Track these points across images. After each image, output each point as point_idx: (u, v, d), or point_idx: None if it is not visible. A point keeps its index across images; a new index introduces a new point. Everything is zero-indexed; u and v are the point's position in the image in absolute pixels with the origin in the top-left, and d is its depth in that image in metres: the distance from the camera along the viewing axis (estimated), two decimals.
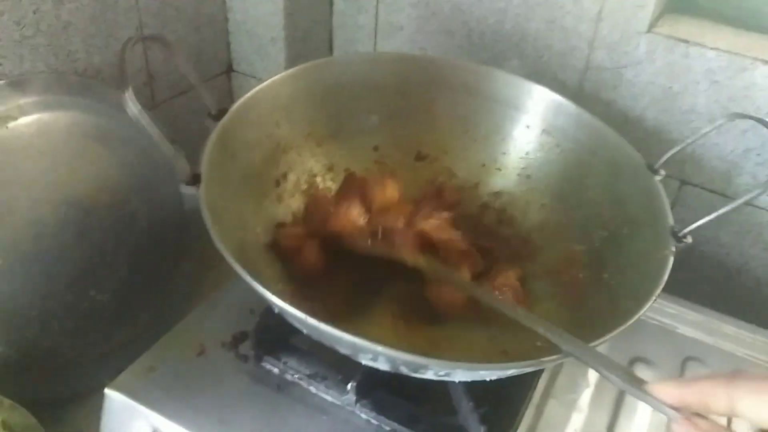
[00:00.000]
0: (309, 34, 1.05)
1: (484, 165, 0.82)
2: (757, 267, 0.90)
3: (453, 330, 0.68)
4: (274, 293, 0.51)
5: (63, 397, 0.81)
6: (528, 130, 0.79)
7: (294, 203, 0.74)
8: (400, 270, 0.68)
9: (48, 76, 0.78)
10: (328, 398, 0.65)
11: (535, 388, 0.69)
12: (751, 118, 0.66)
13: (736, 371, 0.41)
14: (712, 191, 0.88)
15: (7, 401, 0.68)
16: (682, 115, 0.86)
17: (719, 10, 0.86)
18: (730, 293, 0.93)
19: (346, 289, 0.70)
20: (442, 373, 0.52)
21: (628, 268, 0.64)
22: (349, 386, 0.63)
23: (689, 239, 0.61)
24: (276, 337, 0.68)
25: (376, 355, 0.51)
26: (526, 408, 0.67)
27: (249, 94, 0.70)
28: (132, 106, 0.56)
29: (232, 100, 1.09)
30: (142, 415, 0.63)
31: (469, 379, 0.58)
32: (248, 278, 0.51)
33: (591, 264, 0.68)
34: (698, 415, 0.41)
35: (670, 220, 0.62)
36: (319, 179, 0.78)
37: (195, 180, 0.59)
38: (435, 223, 0.70)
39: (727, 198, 0.87)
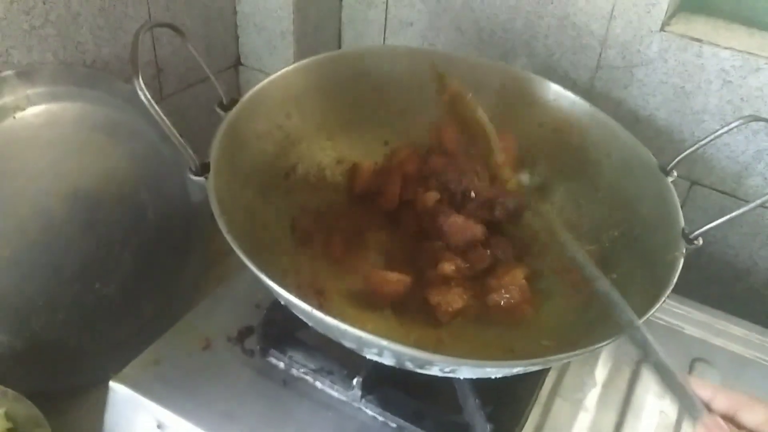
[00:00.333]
0: (318, 28, 1.04)
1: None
2: (766, 268, 0.89)
3: (459, 327, 0.68)
4: (280, 284, 0.51)
5: (67, 388, 0.80)
6: (540, 128, 0.78)
7: (302, 196, 0.74)
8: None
9: (56, 67, 0.78)
10: (334, 393, 0.65)
11: (541, 387, 0.68)
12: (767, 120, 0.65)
13: None
14: (722, 192, 0.87)
15: (11, 392, 0.68)
16: (694, 115, 0.85)
17: (733, 10, 0.86)
18: (738, 294, 0.92)
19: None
20: (447, 369, 0.52)
21: (638, 268, 0.63)
22: (354, 382, 0.63)
23: (700, 241, 0.60)
24: (282, 331, 0.67)
25: (381, 350, 0.51)
26: (533, 407, 0.66)
27: (260, 85, 0.69)
28: (142, 94, 0.55)
29: (240, 95, 1.09)
30: (146, 408, 0.62)
31: (474, 377, 0.58)
32: (254, 269, 0.51)
33: (600, 264, 0.67)
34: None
35: (682, 222, 0.62)
36: (328, 172, 0.77)
37: (204, 170, 0.59)
38: None
39: (738, 199, 0.86)
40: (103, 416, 0.66)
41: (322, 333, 0.55)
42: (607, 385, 0.71)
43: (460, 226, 0.71)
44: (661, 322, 0.78)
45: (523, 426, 0.64)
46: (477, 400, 0.61)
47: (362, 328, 0.49)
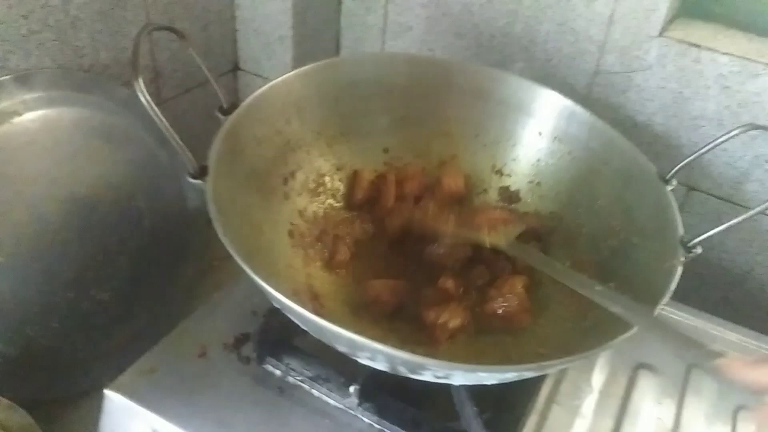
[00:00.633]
0: (317, 33, 1.04)
1: (494, 170, 0.81)
2: (763, 274, 0.89)
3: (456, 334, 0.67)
4: (274, 287, 0.51)
5: (61, 396, 0.80)
6: (540, 136, 0.78)
7: (301, 201, 0.74)
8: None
9: (54, 72, 0.78)
10: (331, 401, 0.65)
11: (538, 393, 0.68)
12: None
13: None
14: (719, 198, 0.87)
15: (4, 401, 0.67)
16: (692, 121, 0.85)
17: (732, 15, 0.86)
18: (734, 300, 0.92)
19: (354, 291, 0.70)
20: (440, 374, 0.52)
21: (636, 277, 0.63)
22: (351, 389, 0.63)
23: (699, 249, 0.60)
24: (278, 339, 0.67)
25: (374, 354, 0.51)
26: (530, 414, 0.66)
27: (261, 90, 0.69)
28: (142, 96, 0.55)
29: (238, 99, 1.10)
30: (141, 416, 0.62)
31: (467, 383, 0.57)
32: (249, 271, 0.51)
33: (599, 273, 0.67)
34: None
35: (681, 231, 0.62)
36: (327, 178, 0.77)
37: (202, 172, 0.59)
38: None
39: (735, 205, 0.86)
40: (98, 424, 0.65)
41: (316, 337, 0.55)
42: (603, 392, 0.71)
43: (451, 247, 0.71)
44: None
45: None
46: (474, 408, 0.61)
47: (356, 331, 0.49)
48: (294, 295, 0.65)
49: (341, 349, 0.54)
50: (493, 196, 0.81)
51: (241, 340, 0.70)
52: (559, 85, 0.88)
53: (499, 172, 0.81)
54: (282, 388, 0.66)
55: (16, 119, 0.74)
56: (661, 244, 0.62)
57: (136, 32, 0.84)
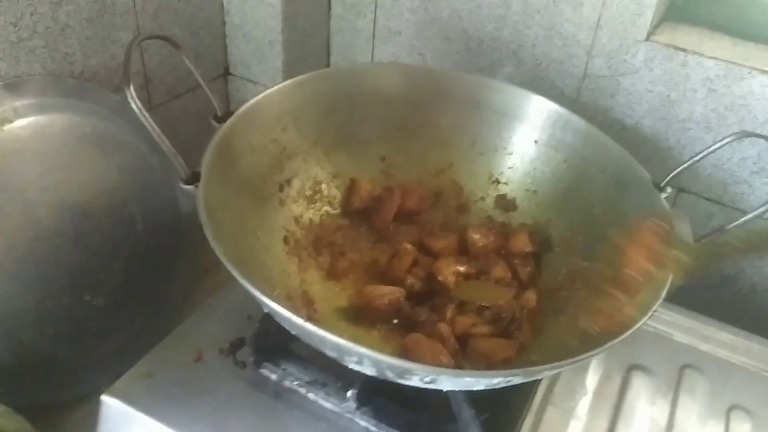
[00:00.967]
0: (306, 37, 1.04)
1: (491, 179, 0.81)
2: (753, 274, 0.91)
3: None
4: (262, 292, 0.51)
5: (57, 402, 0.80)
6: (536, 145, 0.79)
7: (297, 209, 0.74)
8: None
9: (44, 79, 0.78)
10: (327, 405, 0.65)
11: (534, 396, 0.69)
12: (760, 136, 0.66)
13: None
14: (708, 200, 0.88)
15: (2, 407, 0.67)
16: (680, 124, 0.86)
17: (717, 20, 0.87)
18: (725, 300, 0.93)
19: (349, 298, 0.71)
20: (427, 379, 0.52)
21: None
22: (348, 394, 0.63)
23: None
24: (275, 343, 0.67)
25: (361, 358, 0.51)
26: (526, 416, 0.67)
27: (256, 99, 0.69)
28: (134, 104, 0.55)
29: (229, 104, 1.10)
30: (138, 421, 0.62)
31: (455, 388, 0.58)
32: (238, 275, 0.52)
33: (593, 280, 0.68)
34: None
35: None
36: (324, 186, 0.77)
37: (194, 178, 0.59)
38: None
39: (724, 206, 0.88)
40: (96, 430, 0.65)
41: (306, 342, 0.55)
42: (598, 393, 0.71)
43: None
44: (650, 329, 0.79)
45: None
46: (471, 410, 0.61)
47: (341, 336, 0.49)
48: (288, 301, 0.65)
49: (330, 353, 0.54)
50: (490, 204, 0.81)
51: (236, 344, 0.70)
52: (548, 89, 0.89)
53: (496, 181, 0.81)
54: (278, 393, 0.66)
55: (7, 126, 0.73)
56: None
57: (127, 39, 0.86)
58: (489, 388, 0.55)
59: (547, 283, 0.72)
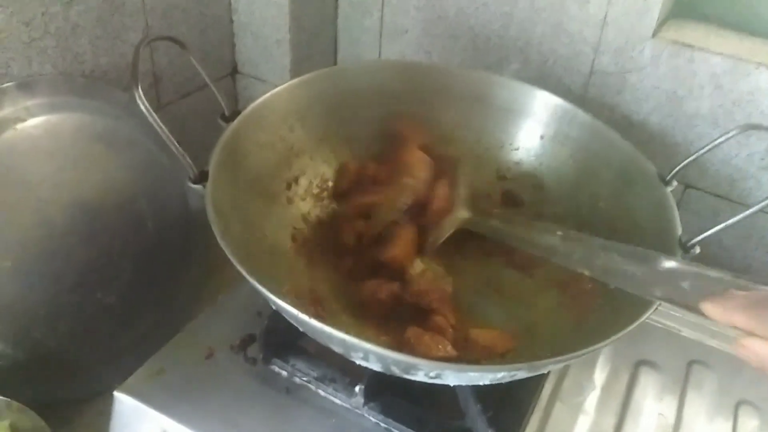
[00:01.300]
0: (314, 36, 1.05)
1: (497, 174, 0.82)
2: (761, 270, 0.91)
3: None
4: (269, 289, 0.52)
5: (70, 398, 0.81)
6: (542, 140, 0.79)
7: (305, 206, 0.75)
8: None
9: (55, 78, 0.79)
10: (337, 401, 0.66)
11: (541, 391, 0.69)
12: (766, 129, 0.66)
13: None
14: (716, 195, 0.88)
15: (15, 404, 0.68)
16: (687, 120, 0.86)
17: (724, 16, 0.87)
18: None
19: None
20: (432, 374, 0.53)
21: None
22: (357, 389, 0.64)
23: (697, 249, 0.61)
24: (284, 339, 0.68)
25: (367, 354, 0.52)
26: (533, 411, 0.67)
27: (263, 98, 0.70)
28: (142, 105, 0.56)
29: (237, 102, 1.11)
30: (151, 417, 0.63)
31: (460, 382, 0.58)
32: (246, 273, 0.52)
33: None
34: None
35: (679, 231, 0.63)
36: (331, 183, 0.78)
37: (202, 178, 0.60)
38: None
39: (732, 202, 0.88)
40: (109, 426, 0.66)
41: (313, 338, 0.56)
42: (606, 389, 0.72)
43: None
44: (658, 324, 0.79)
45: (524, 430, 0.65)
46: (478, 405, 0.62)
47: (347, 332, 0.50)
48: (296, 298, 0.66)
49: (336, 349, 0.55)
50: (496, 200, 0.81)
51: (247, 341, 0.70)
52: (554, 86, 0.90)
53: (503, 177, 0.82)
54: (288, 388, 0.67)
55: (20, 125, 0.74)
56: (660, 244, 0.63)
57: (136, 38, 0.86)
58: (494, 382, 0.55)
59: (552, 277, 0.73)
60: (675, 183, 0.68)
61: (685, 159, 0.70)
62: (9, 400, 0.68)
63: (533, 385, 0.69)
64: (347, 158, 0.79)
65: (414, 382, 0.54)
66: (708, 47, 0.81)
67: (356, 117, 0.79)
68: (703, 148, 0.68)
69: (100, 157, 0.82)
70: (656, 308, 0.55)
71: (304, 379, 0.67)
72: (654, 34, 0.84)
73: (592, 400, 0.70)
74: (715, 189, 0.88)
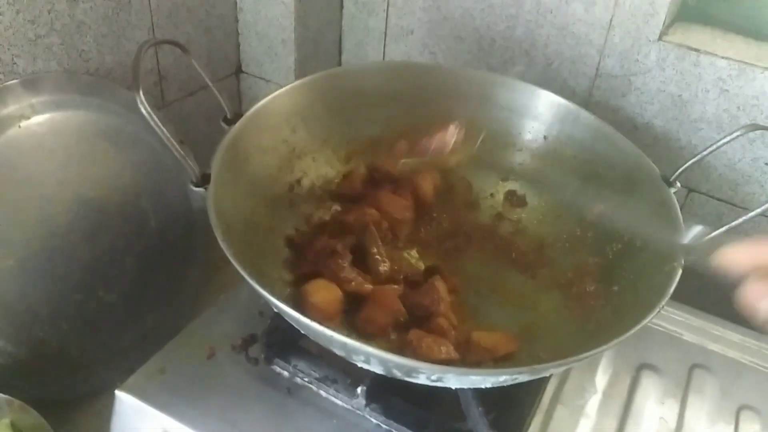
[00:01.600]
0: (319, 36, 1.05)
1: (500, 175, 0.82)
2: None
3: None
4: (269, 292, 0.52)
5: (71, 397, 0.81)
6: (546, 140, 0.79)
7: (307, 208, 0.75)
8: None
9: (60, 76, 0.79)
10: (338, 402, 0.66)
11: (543, 394, 0.69)
12: None
13: None
14: (719, 200, 0.88)
15: (16, 402, 0.68)
16: (691, 124, 0.86)
17: (730, 20, 0.87)
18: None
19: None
20: (434, 377, 0.53)
21: (639, 280, 0.64)
22: (358, 390, 0.64)
23: None
24: (286, 340, 0.68)
25: (368, 357, 0.52)
26: (535, 414, 0.67)
27: (264, 101, 0.70)
28: (143, 108, 0.56)
29: (241, 102, 1.11)
30: (152, 416, 0.63)
31: (461, 385, 0.58)
32: (247, 276, 0.52)
33: (603, 277, 0.68)
34: None
35: (682, 234, 0.63)
36: (334, 185, 0.78)
37: (204, 180, 0.60)
38: None
39: (735, 207, 0.87)
40: (110, 425, 0.66)
41: (314, 341, 0.56)
42: (607, 392, 0.72)
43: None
44: (660, 328, 0.79)
45: None
46: (480, 408, 0.61)
47: (348, 336, 0.50)
48: (296, 300, 0.66)
49: (338, 352, 0.55)
50: (499, 200, 0.81)
51: (248, 341, 0.70)
52: (560, 88, 0.89)
53: (506, 177, 0.81)
54: (290, 389, 0.67)
55: (24, 123, 0.74)
56: (663, 246, 0.63)
57: (141, 37, 0.86)
58: (496, 385, 0.55)
59: (555, 278, 0.72)
60: (678, 185, 0.68)
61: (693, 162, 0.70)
62: (10, 398, 0.68)
63: (535, 387, 0.69)
64: (350, 158, 0.79)
65: (415, 384, 0.54)
66: (714, 51, 0.81)
67: (359, 118, 0.79)
68: (706, 148, 0.68)
69: (104, 154, 0.82)
70: (659, 311, 0.55)
71: (306, 379, 0.67)
72: (660, 38, 0.83)
73: (593, 403, 0.70)
74: (719, 193, 0.88)
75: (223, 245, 0.54)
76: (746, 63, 0.80)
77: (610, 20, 0.85)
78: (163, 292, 0.91)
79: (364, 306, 0.65)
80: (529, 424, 0.66)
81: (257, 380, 0.67)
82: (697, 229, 0.59)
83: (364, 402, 0.64)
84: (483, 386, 0.56)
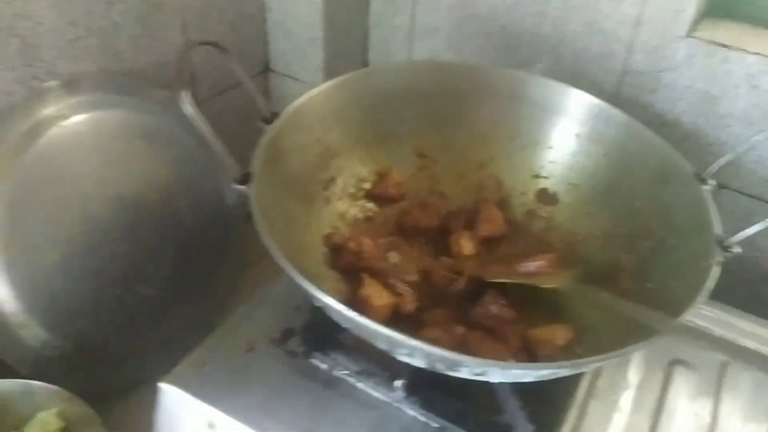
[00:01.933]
0: (345, 34, 1.06)
1: (531, 173, 0.82)
2: None
3: None
4: (316, 287, 0.53)
5: (113, 388, 0.83)
6: (577, 138, 0.80)
7: (341, 206, 0.76)
8: None
9: (98, 76, 0.81)
10: (376, 394, 0.67)
11: (577, 389, 0.70)
12: None
13: None
14: (750, 196, 0.88)
15: (64, 392, 0.70)
16: (720, 120, 0.86)
17: (760, 15, 0.87)
18: (766, 297, 0.93)
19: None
20: (477, 371, 0.53)
21: (673, 278, 0.64)
22: (397, 384, 0.64)
23: (737, 249, 0.61)
24: (324, 333, 0.69)
25: (412, 351, 0.53)
26: (570, 408, 0.68)
27: (301, 100, 0.71)
28: (188, 106, 0.57)
29: (270, 100, 1.12)
30: (196, 407, 0.64)
31: (504, 380, 0.59)
32: (293, 272, 0.53)
33: (637, 274, 0.69)
34: None
35: (718, 230, 0.63)
36: (367, 184, 0.79)
37: (245, 179, 0.61)
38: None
39: (766, 203, 0.87)
40: (154, 415, 0.67)
41: (357, 335, 0.57)
42: (640, 388, 0.72)
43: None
44: (690, 324, 0.79)
45: (563, 426, 0.65)
46: (517, 402, 0.62)
47: (393, 329, 0.51)
48: (338, 294, 0.67)
49: (381, 346, 0.56)
50: (531, 198, 0.82)
51: (287, 334, 0.71)
52: (587, 84, 0.89)
53: (537, 175, 0.82)
54: (328, 382, 0.68)
55: (65, 122, 0.76)
56: (698, 244, 0.63)
57: (174, 37, 0.88)
58: (538, 379, 0.56)
59: (588, 275, 0.73)
60: (714, 182, 0.68)
61: (718, 158, 0.70)
62: (58, 388, 0.70)
63: (570, 382, 0.69)
64: (382, 158, 0.80)
65: (453, 378, 0.55)
66: (744, 47, 0.81)
67: (391, 117, 0.80)
68: (738, 146, 0.69)
69: (141, 153, 0.83)
70: (697, 307, 0.55)
71: (344, 372, 0.68)
72: (689, 34, 0.84)
73: (626, 398, 0.71)
74: (749, 190, 0.88)
75: (268, 243, 0.55)
76: None
77: (638, 17, 0.86)
78: (198, 286, 0.92)
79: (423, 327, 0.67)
80: (565, 419, 0.67)
81: (296, 373, 0.68)
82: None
83: (403, 395, 0.65)
84: (525, 380, 0.57)
